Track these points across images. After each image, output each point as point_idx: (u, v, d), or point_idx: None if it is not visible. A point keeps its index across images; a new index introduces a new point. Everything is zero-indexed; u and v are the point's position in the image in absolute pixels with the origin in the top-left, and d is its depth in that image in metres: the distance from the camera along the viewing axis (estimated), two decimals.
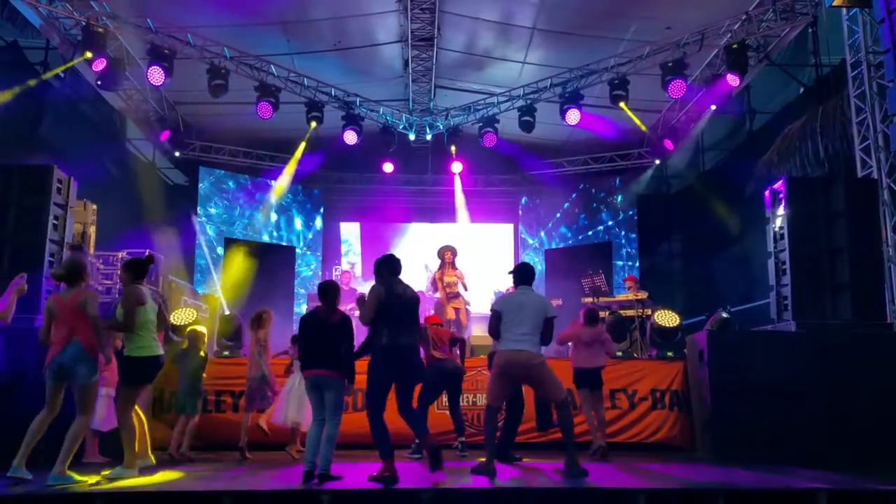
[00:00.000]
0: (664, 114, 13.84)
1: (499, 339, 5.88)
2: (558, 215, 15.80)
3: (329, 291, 5.64)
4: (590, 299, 10.98)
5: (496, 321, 5.85)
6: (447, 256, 10.68)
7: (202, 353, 7.14)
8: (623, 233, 15.38)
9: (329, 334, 5.43)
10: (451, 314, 10.48)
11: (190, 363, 6.98)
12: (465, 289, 10.82)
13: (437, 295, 10.78)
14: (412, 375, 5.60)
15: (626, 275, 13.44)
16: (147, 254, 6.03)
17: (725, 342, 7.44)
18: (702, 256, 13.93)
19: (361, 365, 5.51)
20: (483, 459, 5.65)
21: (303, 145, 13.89)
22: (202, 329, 7.31)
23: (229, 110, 12.98)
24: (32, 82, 10.09)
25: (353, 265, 15.42)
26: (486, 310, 13.86)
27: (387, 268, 5.67)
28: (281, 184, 15.12)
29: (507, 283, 12.30)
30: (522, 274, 6.13)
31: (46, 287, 6.98)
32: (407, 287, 5.73)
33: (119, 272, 6.00)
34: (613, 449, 7.52)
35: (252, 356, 7.11)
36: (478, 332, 10.86)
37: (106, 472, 5.37)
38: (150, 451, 6.13)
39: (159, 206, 13.94)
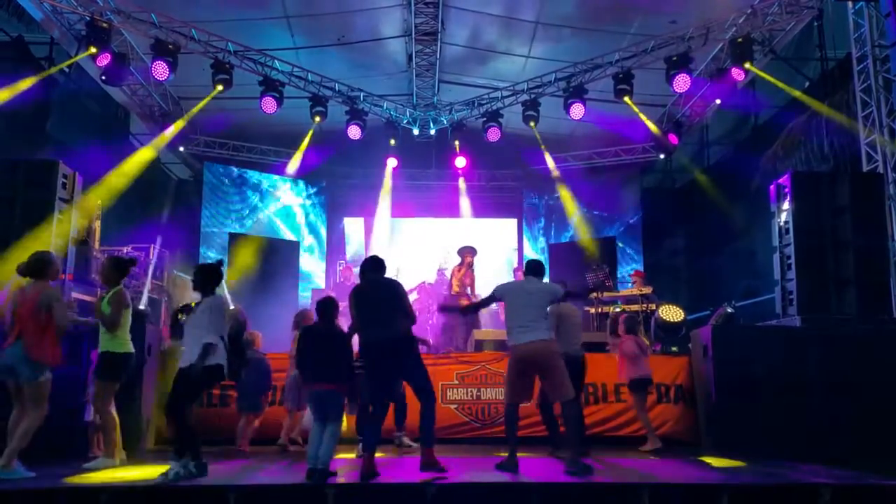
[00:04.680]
0: (669, 108, 13.80)
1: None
2: (562, 210, 15.76)
3: (328, 309, 5.60)
4: (594, 294, 10.97)
5: (487, 300, 6.04)
6: (467, 258, 10.70)
7: (260, 353, 7.36)
8: (627, 228, 15.34)
9: (331, 348, 5.41)
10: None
11: (253, 363, 7.05)
12: (473, 294, 10.89)
13: (454, 289, 10.74)
14: (406, 367, 5.44)
15: (633, 269, 13.42)
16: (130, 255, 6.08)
17: (730, 337, 7.42)
18: (706, 251, 13.91)
19: None
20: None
21: (307, 140, 13.89)
22: (257, 333, 7.54)
23: (234, 105, 12.99)
24: (36, 78, 10.09)
25: (355, 261, 15.43)
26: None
27: (366, 270, 5.66)
28: (284, 178, 15.16)
29: (508, 277, 12.36)
30: (532, 268, 6.13)
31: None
32: (380, 281, 5.61)
33: (104, 268, 5.96)
34: (619, 443, 7.56)
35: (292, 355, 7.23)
36: (484, 328, 10.88)
37: (87, 465, 5.52)
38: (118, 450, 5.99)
39: (164, 201, 14.00)
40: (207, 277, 5.38)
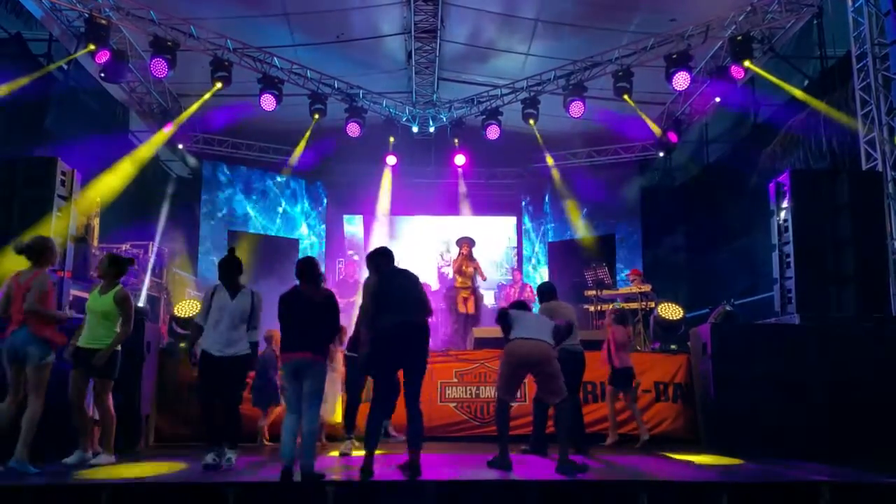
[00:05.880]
0: (668, 106, 13.79)
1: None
2: (561, 208, 15.75)
3: (308, 269, 5.26)
4: (593, 292, 10.98)
5: (505, 321, 5.89)
6: (464, 248, 10.73)
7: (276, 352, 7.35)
8: (626, 225, 15.33)
9: (314, 313, 5.09)
10: (461, 304, 10.54)
11: (267, 361, 7.21)
12: (484, 278, 10.93)
13: (457, 283, 10.78)
14: (415, 359, 5.22)
15: (630, 267, 13.43)
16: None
17: (729, 335, 7.40)
18: (706, 249, 13.92)
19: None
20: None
21: (306, 137, 13.89)
22: (277, 331, 7.51)
23: (233, 102, 12.97)
24: (36, 74, 10.07)
25: (357, 258, 15.43)
26: (489, 302, 13.82)
27: (381, 259, 5.52)
28: (283, 176, 15.15)
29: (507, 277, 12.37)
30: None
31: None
32: (403, 272, 5.50)
33: (102, 264, 5.92)
34: (617, 440, 7.56)
35: None
36: (486, 324, 10.86)
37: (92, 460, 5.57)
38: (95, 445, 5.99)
39: (163, 199, 13.98)
40: (235, 268, 5.63)
